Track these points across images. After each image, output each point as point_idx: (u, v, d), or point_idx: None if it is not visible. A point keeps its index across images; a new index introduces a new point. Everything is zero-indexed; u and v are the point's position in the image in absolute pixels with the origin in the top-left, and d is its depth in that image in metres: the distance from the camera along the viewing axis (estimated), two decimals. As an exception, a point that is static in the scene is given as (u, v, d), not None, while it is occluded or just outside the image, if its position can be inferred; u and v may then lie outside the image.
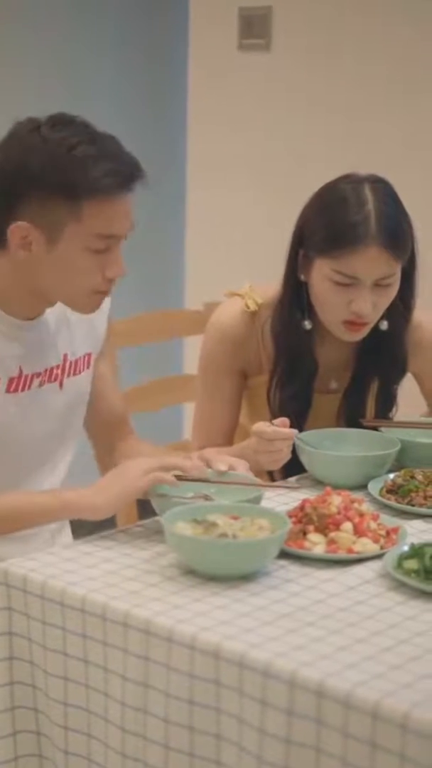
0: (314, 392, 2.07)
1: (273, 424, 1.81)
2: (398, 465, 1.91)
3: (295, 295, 2.01)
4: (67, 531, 1.96)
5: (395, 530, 1.64)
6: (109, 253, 1.68)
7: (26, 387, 1.77)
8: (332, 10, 3.31)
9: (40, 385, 1.79)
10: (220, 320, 2.08)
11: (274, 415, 2.02)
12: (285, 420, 1.82)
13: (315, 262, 1.95)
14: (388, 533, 1.62)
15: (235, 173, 3.56)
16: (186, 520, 1.56)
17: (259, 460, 1.82)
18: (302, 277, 2.00)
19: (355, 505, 1.65)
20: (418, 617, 1.40)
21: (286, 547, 1.56)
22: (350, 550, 1.57)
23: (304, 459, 1.90)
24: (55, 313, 1.81)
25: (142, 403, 2.34)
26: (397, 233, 1.92)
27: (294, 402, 2.04)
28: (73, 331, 1.85)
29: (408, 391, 2.18)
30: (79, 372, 1.87)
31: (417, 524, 1.72)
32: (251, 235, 3.54)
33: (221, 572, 1.49)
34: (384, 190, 1.95)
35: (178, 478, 1.67)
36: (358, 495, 1.72)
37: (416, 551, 1.52)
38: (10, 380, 1.75)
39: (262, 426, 1.81)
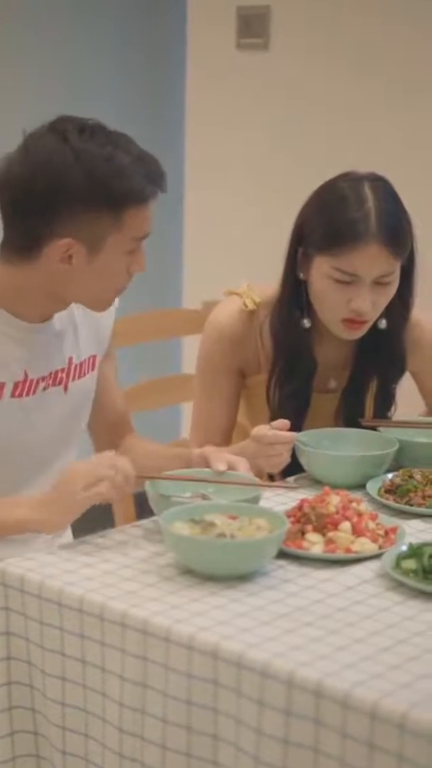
0: (313, 391, 2.07)
1: (272, 426, 1.81)
2: (397, 465, 1.91)
3: (294, 294, 2.01)
4: (68, 532, 1.96)
5: (394, 530, 1.63)
6: (137, 251, 1.70)
7: (31, 392, 1.76)
8: (331, 9, 3.31)
9: (45, 389, 1.78)
10: (218, 319, 2.08)
11: (273, 414, 2.02)
12: (285, 422, 1.82)
13: (314, 260, 1.95)
14: (386, 533, 1.62)
15: (233, 172, 3.56)
16: (184, 520, 1.56)
17: (258, 464, 1.81)
18: (301, 276, 1.99)
19: (354, 504, 1.64)
20: (416, 617, 1.40)
21: (284, 547, 1.56)
22: (348, 550, 1.57)
23: (302, 459, 1.90)
24: (61, 315, 1.80)
25: (140, 403, 2.33)
26: (397, 231, 1.92)
27: (293, 401, 2.03)
28: (78, 333, 1.85)
29: (406, 390, 2.18)
30: (84, 375, 1.86)
31: (415, 524, 1.72)
32: (249, 234, 3.54)
33: (219, 572, 1.49)
34: (383, 188, 1.95)
35: (174, 477, 1.67)
36: (356, 495, 1.72)
37: (415, 551, 1.52)
38: (15, 385, 1.74)
39: (262, 430, 1.81)
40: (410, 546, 1.54)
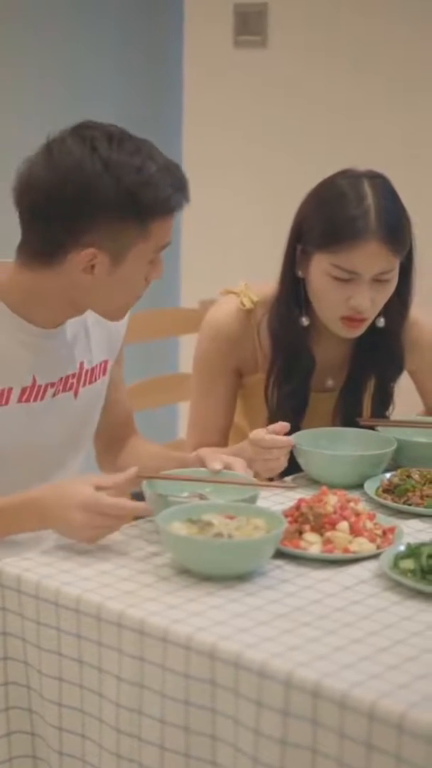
0: (311, 391, 2.06)
1: (269, 430, 1.81)
2: (395, 464, 1.91)
3: (292, 292, 2.00)
4: None
5: (391, 530, 1.63)
6: (157, 260, 1.70)
7: (39, 397, 1.74)
8: (329, 6, 3.31)
9: (54, 395, 1.77)
10: (215, 318, 2.08)
11: (271, 413, 2.02)
12: (284, 425, 1.82)
13: (313, 258, 1.95)
14: (384, 533, 1.62)
15: (230, 171, 3.56)
16: (181, 520, 1.55)
17: (254, 468, 1.81)
18: (300, 274, 1.99)
19: (351, 504, 1.64)
20: (414, 617, 1.40)
21: (281, 547, 1.56)
22: (346, 550, 1.56)
23: (300, 458, 1.89)
24: (74, 320, 1.78)
25: (137, 402, 2.32)
26: (396, 228, 1.92)
27: (291, 400, 2.03)
28: (90, 337, 1.83)
29: (405, 390, 2.18)
30: (95, 380, 1.85)
31: (413, 524, 1.71)
32: (247, 233, 3.54)
33: (217, 572, 1.49)
34: (382, 185, 1.95)
35: (172, 477, 1.67)
36: (354, 494, 1.72)
37: (413, 551, 1.51)
38: (23, 390, 1.73)
39: (259, 433, 1.80)
40: (408, 546, 1.54)
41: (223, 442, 2.08)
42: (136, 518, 1.68)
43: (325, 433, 1.98)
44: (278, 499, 1.79)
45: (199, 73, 3.62)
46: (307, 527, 1.59)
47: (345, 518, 1.60)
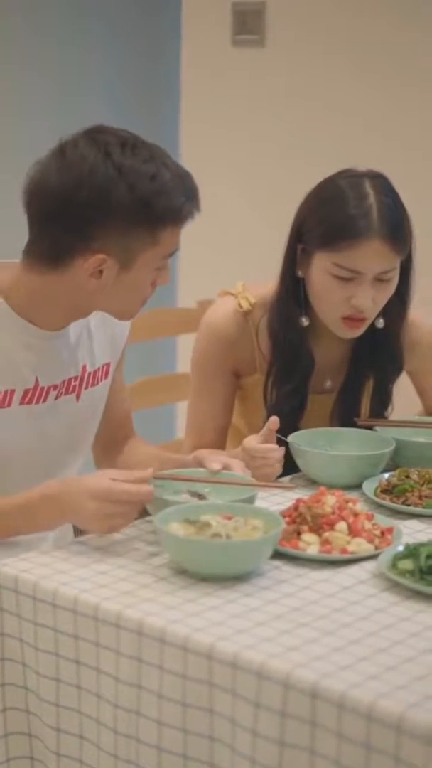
0: (309, 392, 2.06)
1: (260, 436, 1.81)
2: (393, 464, 1.91)
3: (292, 292, 2.00)
4: (69, 533, 1.95)
5: (390, 530, 1.63)
6: (165, 266, 1.70)
7: (41, 399, 1.74)
8: (327, 5, 3.30)
9: (56, 397, 1.76)
10: (212, 320, 2.07)
11: (270, 414, 2.01)
12: (275, 420, 1.82)
13: (315, 257, 1.94)
14: (382, 533, 1.61)
15: (228, 170, 3.55)
16: (179, 521, 1.55)
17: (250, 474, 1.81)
18: (300, 274, 1.99)
19: (350, 504, 1.64)
20: (412, 618, 1.40)
21: (280, 548, 1.55)
22: (344, 551, 1.56)
23: (298, 459, 1.89)
24: (77, 322, 1.78)
25: (135, 402, 2.32)
26: (398, 227, 1.92)
27: (290, 400, 2.03)
28: (93, 340, 1.83)
29: (403, 390, 2.17)
30: (97, 383, 1.84)
31: (412, 524, 1.71)
32: (245, 233, 3.53)
33: (214, 573, 1.48)
34: (383, 184, 1.95)
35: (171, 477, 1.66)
36: (352, 495, 1.71)
37: (411, 551, 1.51)
38: (25, 392, 1.72)
39: (251, 442, 1.81)
40: (407, 546, 1.54)
41: (221, 442, 2.08)
42: (138, 517, 1.68)
43: (324, 434, 1.98)
44: (276, 500, 1.79)
45: (197, 72, 3.61)
46: (305, 528, 1.59)
47: (343, 518, 1.60)
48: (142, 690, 1.37)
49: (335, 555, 1.55)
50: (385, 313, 2.01)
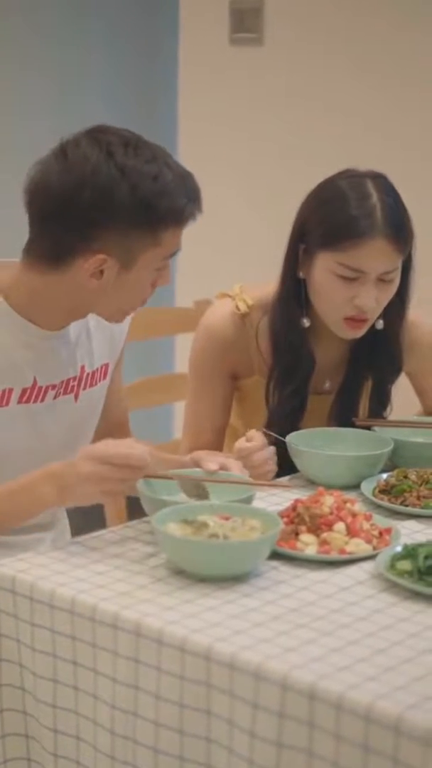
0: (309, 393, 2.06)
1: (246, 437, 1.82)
2: (391, 465, 1.90)
3: (293, 292, 2.00)
4: (67, 533, 1.94)
5: (388, 531, 1.62)
6: (166, 266, 1.70)
7: (39, 399, 1.74)
8: (325, 3, 3.30)
9: (55, 397, 1.76)
10: (210, 322, 2.08)
11: (271, 414, 2.01)
12: (253, 432, 1.84)
13: (318, 257, 1.94)
14: (381, 534, 1.61)
15: (226, 169, 3.55)
16: (176, 521, 1.55)
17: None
18: (301, 275, 1.98)
19: (348, 505, 1.63)
20: (411, 619, 1.39)
21: (277, 548, 1.55)
22: (343, 551, 1.56)
23: (296, 459, 1.89)
24: (76, 322, 1.78)
25: (132, 402, 2.32)
26: (401, 226, 1.92)
27: (291, 401, 2.03)
28: (92, 340, 1.82)
29: (402, 390, 2.17)
30: (96, 384, 1.84)
31: (410, 525, 1.71)
32: (242, 232, 3.53)
33: (212, 573, 1.48)
34: (385, 184, 1.95)
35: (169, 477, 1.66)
36: (350, 495, 1.71)
37: (409, 552, 1.51)
38: (23, 391, 1.72)
39: (239, 443, 1.82)
40: (405, 547, 1.53)
41: (218, 443, 2.08)
42: (131, 519, 1.67)
43: (322, 434, 1.97)
44: (274, 500, 1.78)
45: (194, 71, 3.60)
46: (303, 528, 1.58)
47: (341, 519, 1.59)
48: (140, 691, 1.37)
49: (333, 555, 1.55)
50: (384, 313, 2.00)
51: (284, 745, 1.25)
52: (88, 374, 1.82)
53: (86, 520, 2.00)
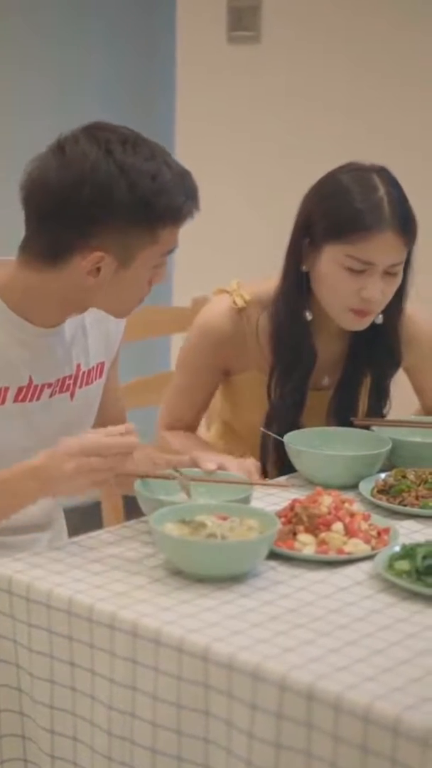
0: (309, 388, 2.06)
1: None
2: (390, 464, 1.90)
3: (297, 286, 2.00)
4: (64, 534, 1.94)
5: (386, 531, 1.62)
6: (163, 264, 1.70)
7: (35, 397, 1.73)
8: (322, 1, 3.29)
9: (51, 395, 1.76)
10: (207, 317, 2.08)
11: (273, 409, 2.01)
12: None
13: (324, 250, 1.94)
14: (379, 534, 1.61)
15: (224, 167, 3.54)
16: (174, 521, 1.54)
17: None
18: (304, 268, 1.98)
19: (346, 505, 1.63)
20: (409, 619, 1.39)
21: (275, 548, 1.55)
22: (341, 551, 1.55)
23: (294, 458, 1.88)
24: (72, 320, 1.77)
25: (128, 401, 2.31)
26: (408, 219, 1.93)
27: (292, 395, 2.03)
28: (88, 338, 1.82)
29: (401, 388, 2.17)
30: (92, 382, 1.84)
31: (409, 524, 1.70)
32: (240, 230, 3.53)
33: (210, 573, 1.48)
34: (389, 177, 1.96)
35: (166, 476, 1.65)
36: (348, 495, 1.71)
37: (408, 552, 1.50)
38: (19, 389, 1.71)
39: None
40: (403, 547, 1.53)
41: (193, 423, 2.13)
42: (128, 519, 1.66)
43: (319, 433, 1.97)
44: (272, 500, 1.78)
45: (192, 69, 3.60)
46: (301, 528, 1.58)
47: (339, 519, 1.59)
48: (137, 691, 1.37)
49: (331, 556, 1.55)
50: (384, 307, 2.00)
51: (282, 746, 1.24)
52: (83, 372, 1.81)
53: (83, 520, 2.00)
